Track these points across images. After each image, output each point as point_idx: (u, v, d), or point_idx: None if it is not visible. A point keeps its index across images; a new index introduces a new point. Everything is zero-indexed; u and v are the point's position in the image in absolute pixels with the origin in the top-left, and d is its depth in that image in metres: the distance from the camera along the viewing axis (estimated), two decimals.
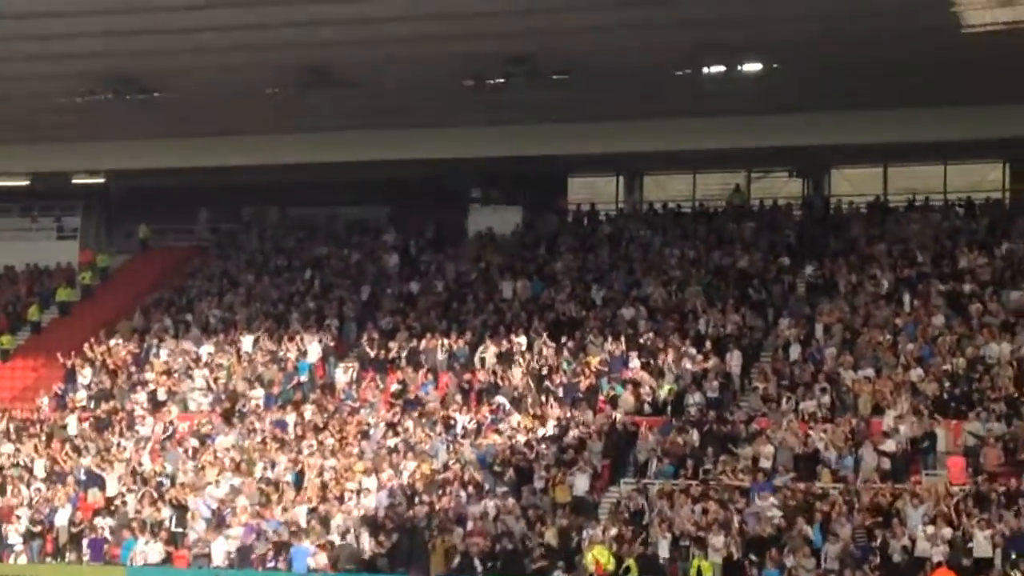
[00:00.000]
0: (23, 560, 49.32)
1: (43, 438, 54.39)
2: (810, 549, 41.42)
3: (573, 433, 48.61)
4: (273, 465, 50.45)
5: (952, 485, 43.11)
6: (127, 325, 61.24)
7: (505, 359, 53.12)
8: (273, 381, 55.15)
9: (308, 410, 53.11)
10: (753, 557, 41.92)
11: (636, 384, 50.27)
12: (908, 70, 50.26)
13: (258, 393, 54.70)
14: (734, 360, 50.56)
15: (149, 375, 57.03)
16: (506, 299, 57.31)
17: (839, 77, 51.48)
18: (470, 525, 45.26)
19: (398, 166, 61.33)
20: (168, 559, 47.89)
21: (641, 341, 52.28)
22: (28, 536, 49.63)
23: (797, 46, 48.74)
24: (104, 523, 49.22)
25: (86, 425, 54.86)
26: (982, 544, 40.49)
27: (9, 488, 51.74)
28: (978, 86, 51.37)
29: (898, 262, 54.15)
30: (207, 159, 61.28)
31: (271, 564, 46.67)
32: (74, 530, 49.34)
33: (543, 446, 48.14)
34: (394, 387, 53.45)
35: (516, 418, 50.03)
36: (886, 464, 44.68)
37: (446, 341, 54.76)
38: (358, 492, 48.09)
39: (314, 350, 56.06)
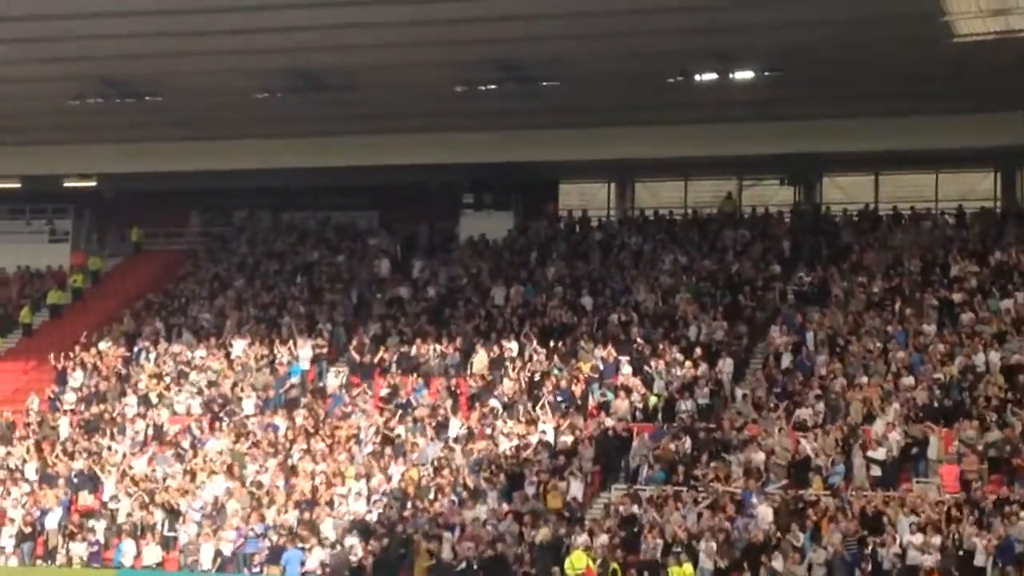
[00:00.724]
0: (14, 562, 49.29)
1: (34, 440, 54.34)
2: (800, 556, 41.44)
3: (564, 439, 48.63)
4: (264, 469, 50.44)
5: (944, 493, 43.14)
6: (118, 328, 61.20)
7: (496, 365, 53.14)
8: (264, 385, 55.13)
9: (299, 414, 53.10)
10: (744, 563, 41.94)
11: (627, 390, 50.29)
12: (900, 79, 50.45)
13: (249, 397, 54.67)
14: (725, 367, 50.59)
15: (140, 378, 57.00)
16: (497, 305, 57.32)
17: (831, 85, 51.69)
18: (458, 532, 45.26)
19: (390, 171, 61.47)
20: (159, 562, 47.90)
21: (632, 347, 52.31)
22: (19, 538, 49.60)
23: (789, 54, 48.92)
24: (95, 526, 49.18)
25: (77, 428, 54.83)
26: (974, 552, 40.51)
27: (0, 490, 51.70)
28: (969, 95, 51.56)
29: (889, 270, 54.20)
30: (198, 163, 61.38)
31: (262, 568, 46.69)
32: (65, 533, 49.28)
33: (534, 452, 48.17)
34: (384, 392, 53.44)
35: (507, 424, 50.04)
36: (877, 471, 44.73)
37: (437, 346, 54.77)
38: (348, 496, 48.12)
39: (305, 354, 56.04)
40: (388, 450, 49.98)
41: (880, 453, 44.97)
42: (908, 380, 47.67)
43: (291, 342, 56.72)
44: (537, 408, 50.36)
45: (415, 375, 53.83)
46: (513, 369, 52.65)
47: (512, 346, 53.83)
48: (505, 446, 48.88)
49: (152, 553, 47.97)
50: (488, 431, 49.96)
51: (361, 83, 53.11)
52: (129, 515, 49.27)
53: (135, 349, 59.16)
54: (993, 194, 60.19)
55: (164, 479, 50.87)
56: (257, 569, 46.77)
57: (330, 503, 48.04)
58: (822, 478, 44.71)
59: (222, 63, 51.72)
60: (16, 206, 69.19)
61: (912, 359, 48.68)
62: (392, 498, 47.50)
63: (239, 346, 57.63)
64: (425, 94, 53.86)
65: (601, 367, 51.56)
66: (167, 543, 48.41)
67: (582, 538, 43.52)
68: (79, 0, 46.55)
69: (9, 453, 53.95)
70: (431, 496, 47.18)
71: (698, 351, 51.24)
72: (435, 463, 48.77)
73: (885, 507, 42.60)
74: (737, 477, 45.10)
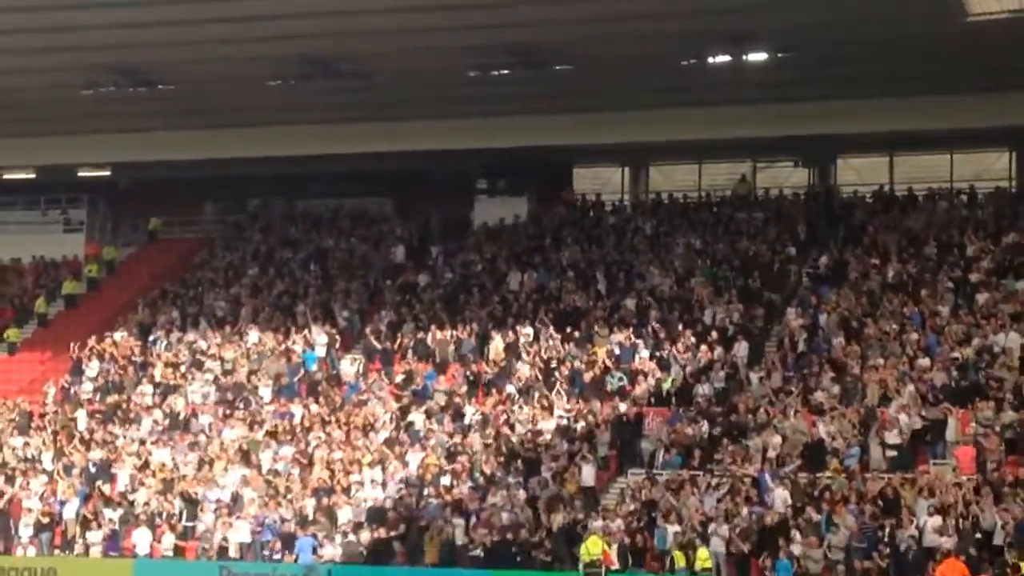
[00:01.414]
0: (32, 552, 49.41)
1: (51, 431, 54.44)
2: (817, 539, 41.40)
3: (580, 424, 48.61)
4: (280, 457, 50.48)
5: (961, 474, 43.05)
6: (133, 317, 61.26)
7: (512, 350, 53.10)
8: (280, 373, 55.14)
9: (315, 402, 53.12)
10: (761, 547, 41.91)
11: (643, 374, 50.23)
12: (914, 59, 50.23)
13: (265, 385, 54.70)
14: (741, 350, 50.50)
15: (155, 367, 57.05)
16: (512, 290, 57.28)
17: (845, 66, 51.45)
18: (474, 518, 45.28)
19: (403, 158, 61.40)
20: (176, 551, 48.02)
21: (647, 331, 52.23)
22: (37, 528, 49.70)
23: (802, 35, 48.73)
24: (113, 515, 49.28)
25: (94, 418, 54.92)
26: (991, 533, 40.41)
27: (18, 481, 51.81)
28: (983, 74, 51.35)
29: (904, 251, 54.05)
30: (212, 151, 61.32)
31: (278, 555, 46.79)
32: (83, 522, 49.37)
33: (551, 437, 48.14)
34: (400, 379, 53.44)
35: (524, 409, 50.00)
36: (893, 453, 44.65)
37: (452, 332, 54.73)
38: (364, 484, 48.16)
39: (321, 342, 56.03)
40: (404, 436, 50.00)
41: (896, 435, 44.88)
42: (924, 361, 47.56)
43: (306, 330, 56.72)
44: (552, 393, 50.32)
45: (430, 361, 53.82)
46: (528, 354, 52.61)
47: (528, 331, 53.80)
48: (520, 431, 48.85)
49: (169, 542, 48.05)
50: (504, 416, 49.93)
51: (374, 69, 53.04)
52: (146, 504, 49.36)
53: (150, 338, 59.21)
54: (1008, 173, 59.97)
55: (180, 468, 50.93)
56: (276, 557, 46.82)
57: (347, 490, 48.07)
58: (838, 460, 44.63)
59: (235, 51, 51.66)
60: (31, 196, 69.29)
61: (928, 340, 48.57)
62: (409, 485, 47.52)
63: (254, 334, 57.64)
64: (438, 80, 53.75)
65: (617, 351, 51.50)
66: (185, 532, 48.50)
67: (598, 523, 43.52)
68: None
69: (27, 443, 54.06)
70: (447, 482, 47.17)
71: (713, 335, 51.16)
72: (450, 448, 48.77)
73: (902, 489, 42.53)
74: (754, 461, 45.03)
